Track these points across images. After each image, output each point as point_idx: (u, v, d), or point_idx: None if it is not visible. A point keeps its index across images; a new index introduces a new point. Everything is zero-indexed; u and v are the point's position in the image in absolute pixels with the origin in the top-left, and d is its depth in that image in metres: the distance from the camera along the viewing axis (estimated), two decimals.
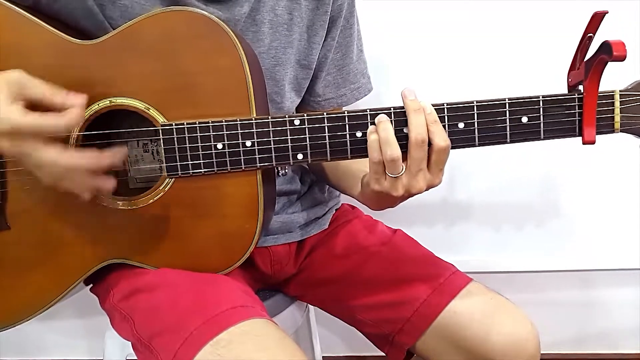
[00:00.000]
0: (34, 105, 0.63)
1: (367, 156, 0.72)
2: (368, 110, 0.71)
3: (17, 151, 0.63)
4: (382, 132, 0.69)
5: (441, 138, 0.69)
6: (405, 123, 0.70)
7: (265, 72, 0.84)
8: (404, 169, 0.70)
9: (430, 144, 0.69)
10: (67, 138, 0.72)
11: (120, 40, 0.72)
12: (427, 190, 0.72)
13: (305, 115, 0.72)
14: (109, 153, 0.67)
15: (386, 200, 0.76)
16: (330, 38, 0.92)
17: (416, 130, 0.69)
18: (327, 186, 1.05)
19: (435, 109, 0.70)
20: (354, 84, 0.98)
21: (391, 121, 0.70)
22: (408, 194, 0.72)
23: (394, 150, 0.69)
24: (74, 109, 0.63)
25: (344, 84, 0.97)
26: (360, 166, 0.90)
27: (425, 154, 0.70)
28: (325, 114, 0.71)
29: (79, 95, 0.64)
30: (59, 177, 0.65)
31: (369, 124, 0.71)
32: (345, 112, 0.71)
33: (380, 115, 0.70)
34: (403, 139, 0.70)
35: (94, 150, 0.66)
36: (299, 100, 0.95)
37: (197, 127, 0.71)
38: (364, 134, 0.71)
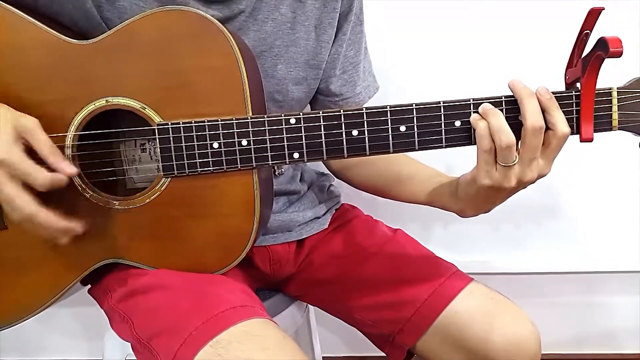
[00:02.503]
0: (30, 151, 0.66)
1: (362, 155, 0.72)
2: (364, 109, 0.71)
3: None
4: (493, 118, 0.68)
5: (565, 124, 0.68)
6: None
7: (267, 71, 0.84)
8: (517, 158, 0.69)
9: (549, 129, 0.68)
10: (63, 138, 0.73)
11: (116, 40, 0.72)
12: (536, 180, 0.71)
13: (301, 114, 0.71)
14: (66, 223, 0.69)
15: (495, 196, 0.74)
16: (342, 34, 0.91)
17: (533, 117, 0.67)
18: (327, 186, 1.05)
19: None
20: (364, 82, 0.98)
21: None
22: (519, 185, 0.71)
23: (509, 136, 0.67)
24: (61, 176, 0.67)
25: (359, 82, 0.97)
26: (419, 169, 0.91)
27: (541, 142, 0.68)
28: (321, 112, 0.71)
29: (71, 166, 0.68)
30: (20, 219, 0.67)
31: (365, 122, 0.71)
32: (341, 110, 0.71)
33: (484, 104, 0.69)
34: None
35: (59, 212, 0.68)
36: (308, 101, 0.95)
37: (193, 127, 0.71)
38: (360, 133, 0.71)
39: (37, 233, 0.68)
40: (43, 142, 0.67)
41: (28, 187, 0.66)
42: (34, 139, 0.66)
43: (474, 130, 0.70)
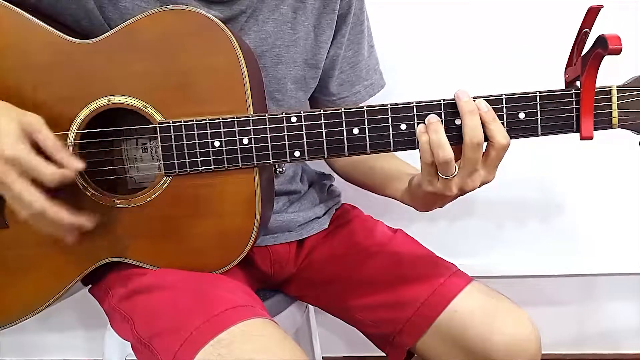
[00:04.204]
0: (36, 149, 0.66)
1: (363, 153, 0.72)
2: (365, 107, 0.71)
3: (4, 178, 0.65)
4: (433, 134, 0.68)
5: (502, 135, 0.68)
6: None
7: (267, 70, 0.85)
8: (457, 169, 0.69)
9: (489, 141, 0.69)
10: (65, 137, 0.73)
11: (118, 39, 0.72)
12: (480, 186, 0.71)
13: (302, 112, 0.72)
14: (76, 218, 0.69)
15: (439, 200, 0.75)
16: (340, 35, 0.92)
17: (472, 132, 0.68)
18: (328, 186, 1.05)
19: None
20: (367, 81, 0.99)
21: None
22: (462, 193, 0.71)
23: (447, 152, 0.68)
24: (69, 171, 0.67)
25: (358, 81, 0.97)
26: (399, 167, 0.92)
27: (481, 156, 0.69)
28: (322, 111, 0.71)
29: (78, 161, 0.67)
30: (28, 214, 0.67)
31: (366, 120, 0.71)
32: (342, 109, 0.71)
33: (430, 115, 0.70)
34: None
35: (67, 208, 0.68)
36: (306, 99, 0.96)
37: (194, 125, 0.72)
38: (361, 131, 0.71)
39: (45, 230, 0.68)
40: (49, 139, 0.66)
41: (37, 183, 0.65)
42: (39, 135, 0.66)
43: (418, 142, 0.70)
